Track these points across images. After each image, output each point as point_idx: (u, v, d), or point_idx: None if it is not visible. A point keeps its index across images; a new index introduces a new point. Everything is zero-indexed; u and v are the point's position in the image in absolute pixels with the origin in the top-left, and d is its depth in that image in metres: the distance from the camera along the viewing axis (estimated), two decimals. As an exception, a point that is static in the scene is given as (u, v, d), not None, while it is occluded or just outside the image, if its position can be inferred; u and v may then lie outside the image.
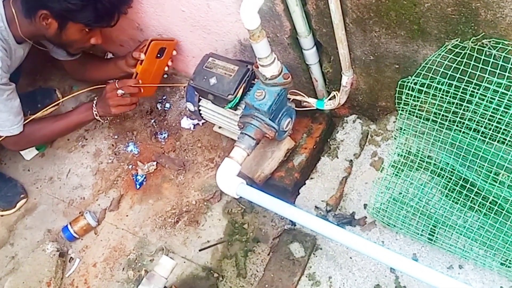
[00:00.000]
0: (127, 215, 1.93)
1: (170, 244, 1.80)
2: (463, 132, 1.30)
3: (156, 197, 1.93)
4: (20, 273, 1.85)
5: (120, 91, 1.77)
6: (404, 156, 1.47)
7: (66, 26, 1.63)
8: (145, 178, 1.99)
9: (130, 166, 2.04)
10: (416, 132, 1.41)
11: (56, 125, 1.87)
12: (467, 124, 1.28)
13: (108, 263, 1.84)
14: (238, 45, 1.74)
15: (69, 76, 2.24)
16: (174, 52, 1.93)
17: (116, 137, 2.15)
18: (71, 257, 1.90)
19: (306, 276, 1.50)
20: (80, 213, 1.96)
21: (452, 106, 1.29)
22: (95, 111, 1.83)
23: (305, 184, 1.67)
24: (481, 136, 1.27)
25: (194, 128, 2.06)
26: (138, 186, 1.98)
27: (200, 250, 1.76)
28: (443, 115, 1.31)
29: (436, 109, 1.32)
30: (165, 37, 1.91)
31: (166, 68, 1.95)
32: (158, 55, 1.86)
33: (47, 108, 2.00)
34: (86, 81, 1.96)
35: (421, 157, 1.44)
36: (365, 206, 1.54)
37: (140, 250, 1.82)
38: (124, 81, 1.80)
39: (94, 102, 1.84)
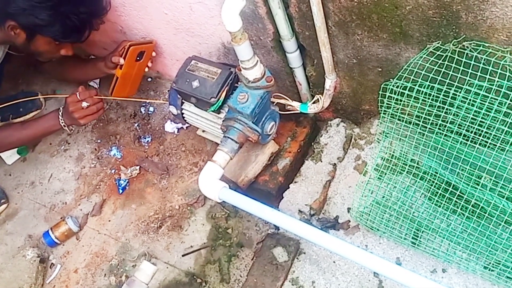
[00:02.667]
0: (109, 220, 1.90)
1: (153, 250, 1.78)
2: (445, 135, 1.30)
3: (139, 202, 1.91)
4: (0, 279, 1.82)
5: (85, 104, 1.73)
6: (388, 159, 1.47)
7: (34, 38, 1.62)
8: (128, 182, 1.96)
9: (113, 171, 2.02)
10: (399, 135, 1.41)
11: (23, 133, 1.83)
12: (449, 127, 1.28)
13: (89, 269, 1.80)
14: (222, 48, 1.73)
15: (50, 76, 2.22)
16: (154, 54, 1.91)
17: (99, 141, 2.12)
18: (52, 263, 1.86)
19: (289, 281, 1.49)
20: (61, 218, 1.92)
21: (434, 109, 1.29)
22: (62, 122, 1.78)
23: (289, 188, 1.66)
24: (463, 139, 1.27)
25: (178, 132, 2.04)
26: (121, 191, 1.95)
27: (183, 255, 1.73)
28: (425, 118, 1.31)
29: (418, 112, 1.32)
30: (144, 40, 1.89)
31: (147, 69, 1.94)
32: (138, 58, 1.85)
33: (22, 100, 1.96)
34: (66, 81, 1.93)
35: (404, 161, 1.44)
36: (348, 209, 1.53)
37: (122, 256, 1.80)
38: (86, 93, 1.75)
39: (60, 112, 1.78)
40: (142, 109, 2.14)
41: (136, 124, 2.11)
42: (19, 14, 1.54)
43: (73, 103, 1.73)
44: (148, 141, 2.06)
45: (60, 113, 1.79)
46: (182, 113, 1.74)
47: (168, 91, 2.06)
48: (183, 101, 1.70)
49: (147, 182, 1.95)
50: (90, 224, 1.92)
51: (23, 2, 1.52)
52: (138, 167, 1.98)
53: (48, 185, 2.06)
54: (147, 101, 2.12)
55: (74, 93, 1.75)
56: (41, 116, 1.87)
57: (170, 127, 2.05)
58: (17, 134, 1.83)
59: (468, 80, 1.17)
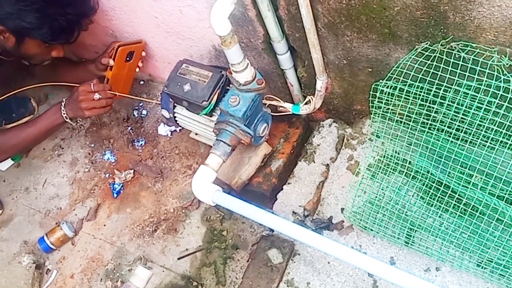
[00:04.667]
0: (104, 225, 1.90)
1: (148, 253, 1.78)
2: (436, 135, 1.31)
3: (134, 206, 1.91)
4: (-4, 286, 1.82)
5: (97, 95, 1.71)
6: (380, 159, 1.47)
7: (24, 41, 1.62)
8: (122, 186, 1.96)
9: (107, 175, 2.01)
10: (390, 135, 1.41)
11: (25, 134, 1.80)
12: (439, 127, 1.29)
13: (85, 274, 1.80)
14: (213, 50, 1.73)
15: (42, 80, 2.21)
16: (143, 53, 1.91)
17: (92, 145, 2.12)
18: (48, 269, 1.86)
19: (284, 283, 1.49)
20: (56, 223, 1.92)
21: (425, 109, 1.29)
22: (64, 113, 1.74)
23: (282, 189, 1.66)
24: (453, 138, 1.27)
25: (171, 135, 2.04)
26: (115, 195, 1.95)
27: (178, 259, 1.73)
28: (416, 118, 1.32)
29: (409, 111, 1.33)
30: (132, 40, 1.88)
31: (137, 70, 1.93)
32: (127, 59, 1.84)
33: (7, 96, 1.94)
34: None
35: (396, 160, 1.44)
36: (342, 210, 1.54)
37: (118, 260, 1.80)
38: (100, 86, 1.74)
39: (63, 103, 1.76)
40: (135, 113, 2.14)
41: (129, 128, 2.11)
42: (6, 18, 1.53)
43: (84, 92, 1.71)
44: (141, 144, 2.06)
45: (62, 105, 1.75)
46: (175, 117, 1.74)
47: (160, 93, 2.07)
48: (175, 104, 1.70)
49: (141, 186, 1.95)
50: (85, 229, 1.91)
51: (10, 7, 1.52)
52: (132, 171, 1.98)
53: (43, 191, 2.06)
54: (148, 100, 2.12)
55: (88, 83, 1.73)
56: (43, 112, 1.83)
57: (163, 130, 2.04)
58: (19, 136, 1.80)
59: (457, 80, 1.18)
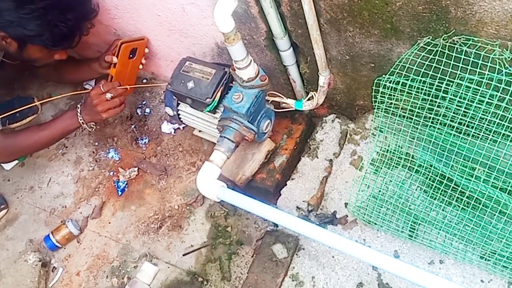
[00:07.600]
0: (109, 222, 1.91)
1: (153, 250, 1.79)
2: (439, 128, 1.32)
3: (139, 203, 1.92)
4: (3, 285, 1.83)
5: (109, 95, 1.72)
6: (383, 153, 1.48)
7: (26, 47, 1.63)
8: (126, 184, 1.98)
9: (112, 173, 2.03)
10: (393, 129, 1.42)
11: (40, 135, 1.80)
12: (442, 120, 1.30)
13: (91, 271, 1.82)
14: (216, 48, 1.74)
15: (46, 79, 2.22)
16: (147, 50, 1.91)
17: (96, 143, 2.13)
18: (54, 267, 1.87)
19: (289, 277, 1.51)
20: (62, 222, 1.94)
21: (427, 103, 1.30)
22: (80, 119, 1.77)
23: (286, 185, 1.67)
24: (456, 131, 1.28)
25: (174, 132, 2.05)
26: (120, 193, 1.96)
27: (184, 255, 1.75)
28: (418, 112, 1.33)
29: (411, 106, 1.34)
30: (135, 37, 1.89)
31: (141, 66, 1.94)
32: (131, 56, 1.85)
33: (23, 108, 1.98)
34: (62, 83, 1.93)
35: (399, 154, 1.45)
36: (346, 205, 1.55)
37: (124, 257, 1.81)
38: (109, 84, 1.75)
39: (78, 109, 1.77)
40: (139, 111, 2.15)
41: (132, 126, 2.13)
42: (7, 26, 1.54)
43: (97, 95, 1.72)
44: (145, 142, 2.07)
45: (78, 111, 1.77)
46: (178, 114, 1.75)
47: (163, 92, 2.08)
48: (178, 102, 1.71)
49: (145, 183, 1.97)
50: (90, 226, 1.93)
51: (10, 15, 1.52)
52: (136, 169, 2.00)
53: (47, 189, 2.08)
54: (154, 86, 2.14)
55: (98, 86, 1.75)
56: (57, 116, 1.84)
57: (166, 128, 2.06)
58: (34, 136, 1.81)
59: (459, 74, 1.19)
